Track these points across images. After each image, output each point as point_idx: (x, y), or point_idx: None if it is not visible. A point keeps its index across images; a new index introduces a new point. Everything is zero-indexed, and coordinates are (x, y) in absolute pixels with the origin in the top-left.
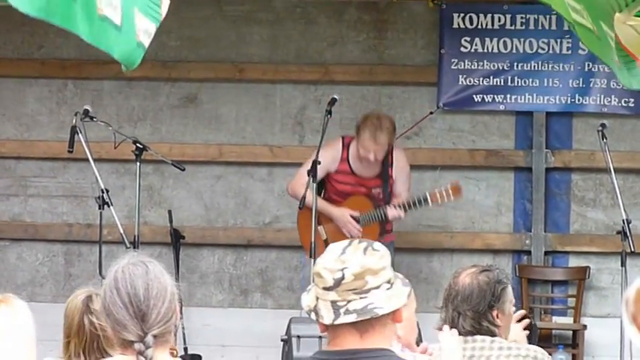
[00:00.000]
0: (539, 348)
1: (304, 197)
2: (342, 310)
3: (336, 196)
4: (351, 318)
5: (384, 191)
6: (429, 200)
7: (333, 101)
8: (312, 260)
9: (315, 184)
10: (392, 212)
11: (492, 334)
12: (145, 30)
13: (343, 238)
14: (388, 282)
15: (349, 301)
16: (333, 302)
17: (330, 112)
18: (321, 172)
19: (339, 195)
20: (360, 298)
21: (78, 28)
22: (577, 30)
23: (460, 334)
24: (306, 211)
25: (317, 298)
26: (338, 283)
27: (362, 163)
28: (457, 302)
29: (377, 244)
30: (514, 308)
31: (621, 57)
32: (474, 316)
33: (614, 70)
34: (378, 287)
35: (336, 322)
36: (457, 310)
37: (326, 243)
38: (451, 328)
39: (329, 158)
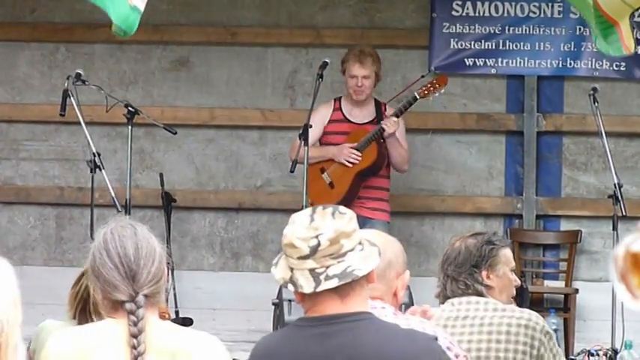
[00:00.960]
0: (534, 312)
1: (295, 161)
2: (322, 277)
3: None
4: (333, 283)
5: None
6: (418, 97)
7: (324, 65)
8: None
9: (307, 147)
10: (387, 123)
11: (480, 294)
12: None
13: (347, 175)
14: (360, 243)
15: (328, 267)
16: (312, 270)
17: (321, 76)
18: (316, 131)
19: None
20: (338, 262)
21: None
22: None
23: (452, 297)
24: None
25: (291, 269)
26: (314, 250)
27: (355, 106)
28: (447, 266)
29: (342, 208)
30: (512, 273)
31: (599, 24)
32: (462, 277)
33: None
34: (352, 250)
35: (319, 289)
36: (447, 274)
37: (332, 186)
38: (443, 293)
39: (322, 112)
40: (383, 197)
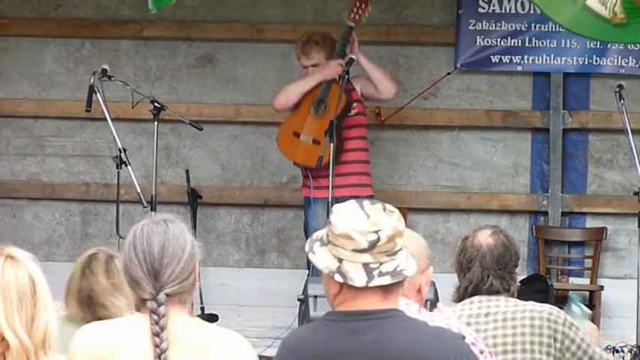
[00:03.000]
0: (554, 306)
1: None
2: (375, 273)
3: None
4: (386, 280)
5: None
6: (350, 24)
7: (350, 61)
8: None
9: (333, 144)
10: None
11: (513, 294)
12: None
13: (323, 125)
14: (404, 244)
15: (381, 263)
16: (366, 264)
17: (347, 73)
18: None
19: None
20: (391, 260)
21: None
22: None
23: (485, 293)
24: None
25: (340, 260)
26: (373, 245)
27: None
28: (487, 262)
29: (389, 206)
30: None
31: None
32: (505, 275)
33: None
34: (401, 249)
35: (371, 284)
36: (487, 271)
37: (316, 142)
38: (476, 287)
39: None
40: (361, 171)
